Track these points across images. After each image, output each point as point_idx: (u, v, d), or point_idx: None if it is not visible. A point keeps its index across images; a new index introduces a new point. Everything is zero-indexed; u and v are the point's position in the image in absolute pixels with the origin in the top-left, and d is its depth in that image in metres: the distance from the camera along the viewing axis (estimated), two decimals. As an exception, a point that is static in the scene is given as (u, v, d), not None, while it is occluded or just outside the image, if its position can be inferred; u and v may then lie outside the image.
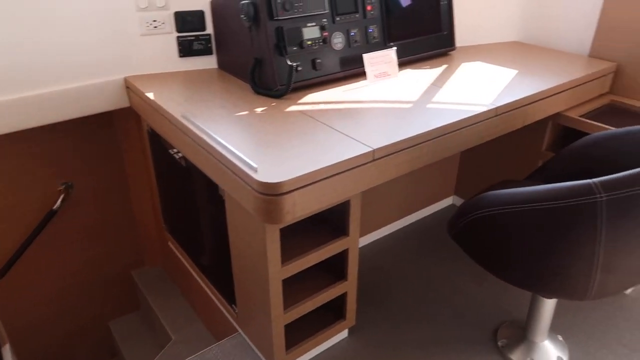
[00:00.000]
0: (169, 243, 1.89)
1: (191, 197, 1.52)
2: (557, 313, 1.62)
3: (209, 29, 1.67)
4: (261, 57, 1.45)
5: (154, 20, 1.59)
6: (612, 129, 1.39)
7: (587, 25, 1.87)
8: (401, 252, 1.95)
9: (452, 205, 2.28)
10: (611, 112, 1.73)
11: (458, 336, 1.54)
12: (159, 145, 1.63)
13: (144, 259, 2.11)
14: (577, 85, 1.65)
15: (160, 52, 1.63)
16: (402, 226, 2.12)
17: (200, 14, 1.64)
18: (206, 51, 1.70)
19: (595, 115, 1.69)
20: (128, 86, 1.60)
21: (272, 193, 1.01)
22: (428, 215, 2.19)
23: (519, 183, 1.40)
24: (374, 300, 1.70)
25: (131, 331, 2.08)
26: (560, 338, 1.50)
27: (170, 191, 1.70)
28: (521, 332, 1.49)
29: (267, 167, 1.06)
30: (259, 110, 1.36)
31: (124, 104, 1.64)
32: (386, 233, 2.07)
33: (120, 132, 1.83)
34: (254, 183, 1.02)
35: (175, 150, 1.50)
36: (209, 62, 1.72)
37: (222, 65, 1.70)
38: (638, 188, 0.90)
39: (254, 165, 1.05)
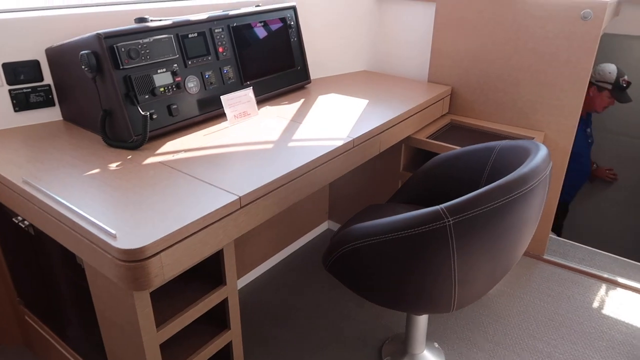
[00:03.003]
0: (27, 318, 1.67)
1: (47, 267, 1.37)
2: (431, 321, 1.75)
3: (48, 79, 1.54)
4: (110, 108, 1.37)
5: (-22, 74, 1.42)
6: (455, 149, 1.56)
7: (423, 54, 2.09)
8: (283, 285, 1.95)
9: (328, 230, 2.35)
10: (452, 130, 1.94)
11: (347, 361, 1.58)
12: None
13: (-4, 339, 1.84)
14: (421, 110, 1.82)
15: (-10, 108, 1.46)
16: (281, 259, 2.13)
17: (34, 64, 1.50)
18: (47, 103, 1.55)
19: (440, 135, 1.88)
20: (-47, 150, 1.40)
21: (135, 259, 0.95)
22: (306, 244, 2.24)
23: (381, 207, 1.49)
24: (261, 341, 1.68)
25: None
26: (436, 345, 1.61)
27: (21, 261, 1.51)
28: (403, 347, 1.58)
29: (127, 230, 0.99)
30: (113, 165, 1.28)
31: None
32: (266, 269, 2.07)
33: None
34: (114, 251, 0.95)
35: (20, 218, 1.34)
36: (52, 114, 1.58)
37: (68, 116, 1.57)
38: (475, 210, 1.01)
39: (112, 231, 0.98)
